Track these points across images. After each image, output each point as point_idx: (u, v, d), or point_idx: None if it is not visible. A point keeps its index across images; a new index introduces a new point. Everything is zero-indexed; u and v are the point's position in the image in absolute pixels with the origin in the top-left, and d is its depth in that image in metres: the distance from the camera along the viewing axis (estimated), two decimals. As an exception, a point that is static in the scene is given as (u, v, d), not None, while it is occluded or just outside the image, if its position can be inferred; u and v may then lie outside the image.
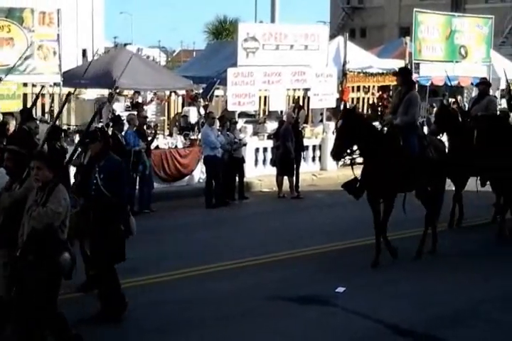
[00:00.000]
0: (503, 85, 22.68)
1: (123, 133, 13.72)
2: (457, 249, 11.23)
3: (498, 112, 13.63)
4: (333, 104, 19.66)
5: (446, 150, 11.63)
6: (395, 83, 20.77)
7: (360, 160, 10.30)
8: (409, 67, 20.68)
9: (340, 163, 12.91)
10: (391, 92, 21.37)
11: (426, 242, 10.72)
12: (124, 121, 14.07)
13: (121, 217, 7.76)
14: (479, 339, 7.51)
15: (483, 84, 13.57)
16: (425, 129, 15.36)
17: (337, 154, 10.13)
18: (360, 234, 11.17)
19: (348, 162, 10.59)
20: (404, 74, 10.72)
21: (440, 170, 10.61)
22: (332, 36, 23.42)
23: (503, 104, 19.89)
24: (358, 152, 10.12)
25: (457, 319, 8.08)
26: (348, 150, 10.05)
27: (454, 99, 20.98)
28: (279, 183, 16.17)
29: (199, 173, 16.40)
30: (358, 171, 10.18)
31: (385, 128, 10.62)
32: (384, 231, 10.16)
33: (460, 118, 12.57)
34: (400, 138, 10.11)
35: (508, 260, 10.53)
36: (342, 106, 19.17)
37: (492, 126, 11.79)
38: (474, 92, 20.90)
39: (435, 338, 7.51)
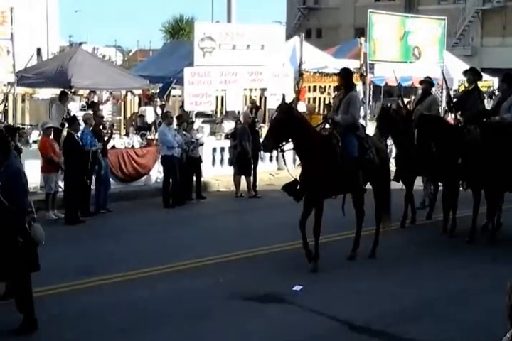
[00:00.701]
0: (455, 85, 23.11)
1: (79, 134, 13.62)
2: (411, 247, 11.43)
3: None
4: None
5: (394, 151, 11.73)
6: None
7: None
8: (364, 67, 20.98)
9: (298, 162, 12.97)
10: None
11: (375, 242, 10.80)
12: (80, 121, 13.97)
13: (19, 226, 7.38)
14: (434, 335, 7.63)
15: (426, 83, 13.70)
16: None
17: (267, 145, 9.99)
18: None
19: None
20: (345, 76, 10.53)
21: (383, 172, 10.67)
22: (288, 36, 23.60)
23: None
24: (291, 145, 10.01)
25: (412, 315, 8.22)
26: (283, 143, 9.82)
27: (408, 100, 21.30)
28: (237, 183, 16.22)
29: (156, 173, 16.37)
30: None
31: (327, 127, 10.59)
32: (317, 235, 9.94)
33: (406, 119, 12.66)
34: (340, 138, 10.03)
35: (461, 257, 10.74)
36: (299, 104, 19.29)
37: (432, 125, 11.76)
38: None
39: (390, 334, 7.63)
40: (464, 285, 9.36)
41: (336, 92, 22.41)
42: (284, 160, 10.44)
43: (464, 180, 11.80)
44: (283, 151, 10.13)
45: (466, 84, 13.58)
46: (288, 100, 9.87)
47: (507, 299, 2.64)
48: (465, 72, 13.10)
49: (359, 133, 10.40)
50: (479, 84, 15.08)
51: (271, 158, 18.84)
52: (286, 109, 9.81)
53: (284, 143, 9.84)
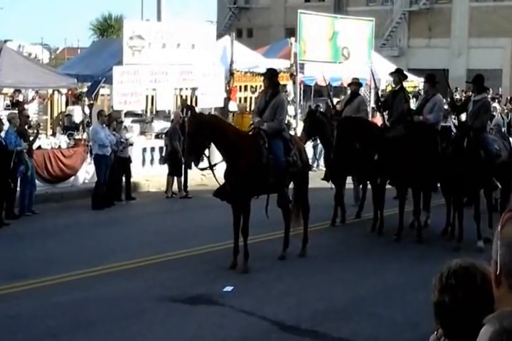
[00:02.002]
0: (383, 85, 23.46)
1: (3, 133, 13.22)
2: (341, 246, 11.54)
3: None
4: (221, 104, 19.74)
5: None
6: (281, 82, 21.19)
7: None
8: (294, 67, 21.09)
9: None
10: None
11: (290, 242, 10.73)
12: (4, 120, 13.56)
13: None
14: (364, 333, 7.73)
15: (354, 84, 13.84)
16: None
17: (188, 162, 10.02)
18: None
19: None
20: (270, 76, 10.46)
21: (304, 173, 10.71)
22: (219, 36, 23.48)
23: None
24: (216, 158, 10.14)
25: (341, 314, 8.30)
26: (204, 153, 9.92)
27: (338, 100, 21.52)
28: (168, 183, 16.06)
29: (84, 174, 16.04)
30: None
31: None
32: (246, 234, 9.94)
33: (333, 120, 12.79)
34: (267, 140, 10.01)
35: (389, 255, 10.90)
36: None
37: (355, 127, 11.87)
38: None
39: (320, 333, 7.68)
40: (393, 283, 9.50)
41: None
42: (213, 172, 10.16)
43: (389, 179, 11.98)
44: (204, 169, 10.10)
45: (393, 85, 13.77)
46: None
47: (432, 296, 2.60)
48: (391, 74, 13.35)
49: (285, 135, 10.44)
50: (406, 84, 15.29)
51: (202, 158, 18.67)
52: (194, 121, 9.83)
53: (206, 152, 9.92)
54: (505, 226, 2.30)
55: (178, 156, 15.75)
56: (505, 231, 2.28)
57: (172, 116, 17.08)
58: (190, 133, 9.83)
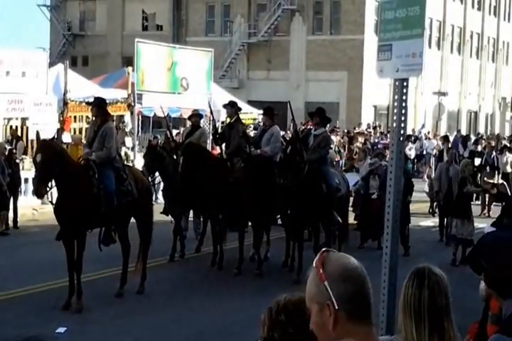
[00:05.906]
0: (223, 117, 23.60)
1: None
2: (180, 281, 11.28)
3: None
4: (54, 134, 18.94)
5: None
6: (118, 113, 20.75)
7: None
8: (132, 97, 20.73)
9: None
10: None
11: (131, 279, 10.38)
12: None
13: None
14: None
15: (195, 116, 13.76)
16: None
17: (40, 193, 9.42)
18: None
19: None
20: (98, 105, 10.18)
21: (142, 203, 10.36)
22: (52, 64, 22.72)
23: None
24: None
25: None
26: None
27: (177, 131, 21.37)
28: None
29: None
30: None
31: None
32: (79, 271, 9.48)
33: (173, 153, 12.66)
34: (96, 170, 9.69)
35: (230, 290, 10.73)
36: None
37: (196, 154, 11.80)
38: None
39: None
40: (233, 318, 9.35)
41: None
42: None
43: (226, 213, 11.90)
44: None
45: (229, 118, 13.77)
46: (45, 134, 9.31)
47: (261, 331, 2.70)
48: (224, 106, 13.32)
49: (116, 165, 10.11)
50: (245, 116, 15.37)
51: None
52: (45, 148, 9.30)
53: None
54: (326, 266, 2.34)
55: (2, 190, 14.84)
56: (329, 270, 2.32)
57: None
58: (43, 161, 9.15)
